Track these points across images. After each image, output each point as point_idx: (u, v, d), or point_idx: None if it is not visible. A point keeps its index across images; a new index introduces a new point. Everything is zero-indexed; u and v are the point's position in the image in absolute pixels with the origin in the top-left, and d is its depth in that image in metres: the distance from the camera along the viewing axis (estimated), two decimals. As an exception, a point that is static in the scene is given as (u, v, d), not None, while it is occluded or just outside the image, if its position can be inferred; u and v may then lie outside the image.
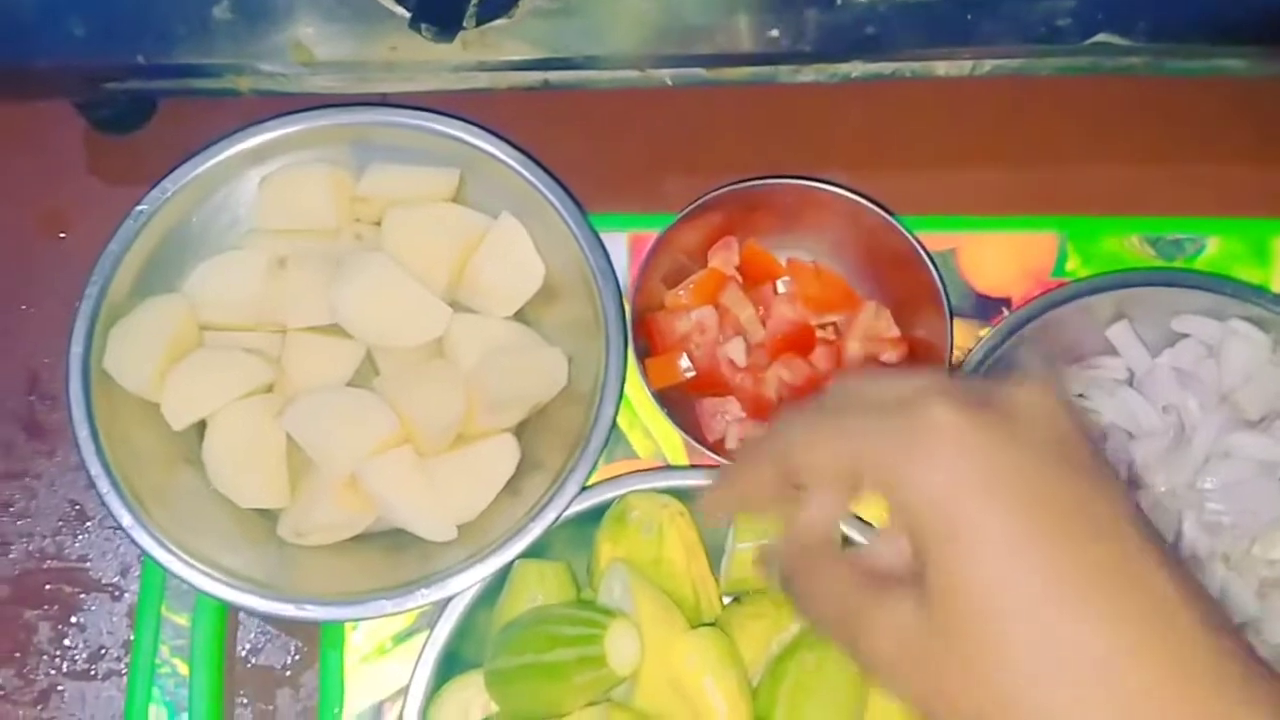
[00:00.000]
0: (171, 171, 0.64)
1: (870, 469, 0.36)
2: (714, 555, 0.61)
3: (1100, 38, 0.63)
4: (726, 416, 0.65)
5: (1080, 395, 0.66)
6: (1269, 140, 0.74)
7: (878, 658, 0.36)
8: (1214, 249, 0.71)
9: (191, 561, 0.59)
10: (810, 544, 0.39)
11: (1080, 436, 0.36)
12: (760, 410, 0.65)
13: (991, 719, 0.34)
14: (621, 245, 0.70)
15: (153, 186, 0.63)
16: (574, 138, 0.72)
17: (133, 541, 0.59)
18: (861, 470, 0.36)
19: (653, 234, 0.65)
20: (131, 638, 0.64)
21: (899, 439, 0.35)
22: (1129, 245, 0.71)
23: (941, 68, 0.66)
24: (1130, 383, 0.66)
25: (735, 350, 0.66)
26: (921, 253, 0.63)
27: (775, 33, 0.62)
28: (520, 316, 0.66)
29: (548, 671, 0.54)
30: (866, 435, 0.36)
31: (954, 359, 0.65)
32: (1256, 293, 0.65)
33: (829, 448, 0.37)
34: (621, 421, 0.67)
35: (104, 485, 0.59)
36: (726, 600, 0.62)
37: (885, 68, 0.65)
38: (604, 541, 0.59)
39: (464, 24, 0.57)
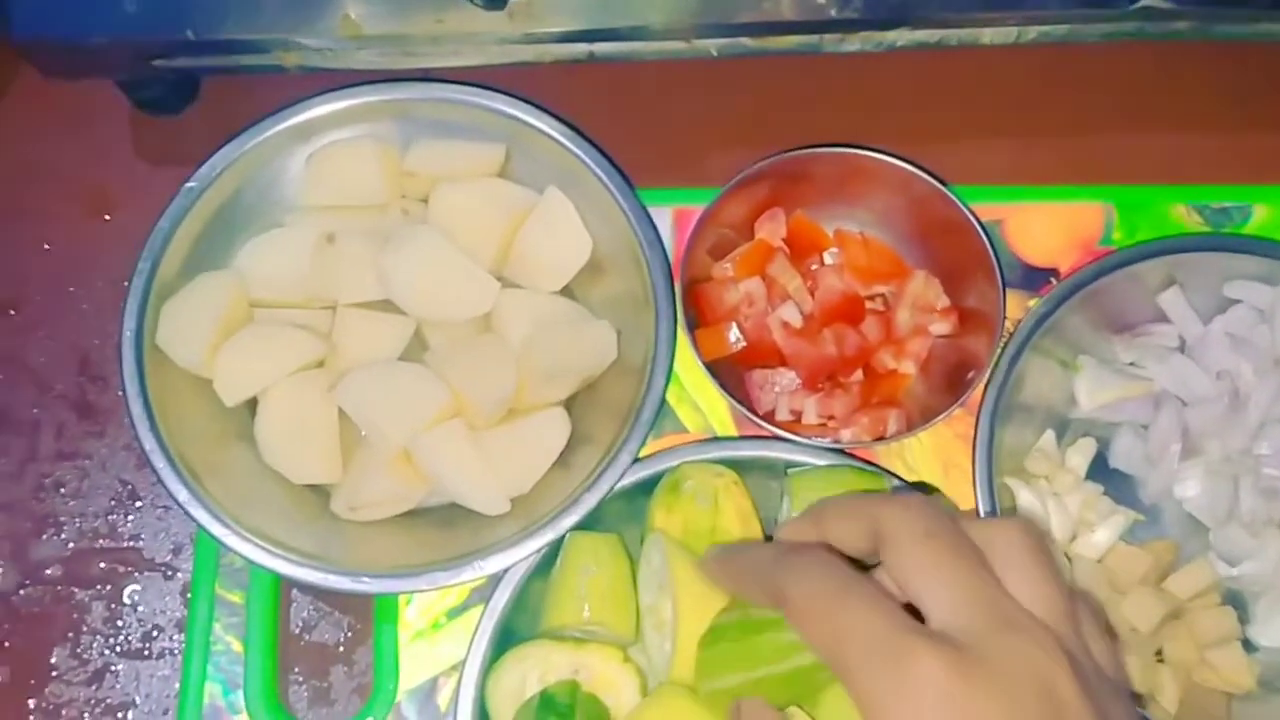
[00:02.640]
0: (220, 149, 0.64)
1: (857, 699, 0.39)
2: (768, 527, 0.60)
3: (1146, 1, 0.63)
4: (777, 388, 0.65)
5: (1132, 364, 0.65)
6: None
7: None
8: (1261, 216, 0.71)
9: (247, 535, 0.59)
10: None
11: (1074, 693, 0.38)
12: (816, 374, 0.65)
13: None
14: (666, 220, 0.70)
15: (201, 164, 0.63)
16: (618, 112, 0.71)
17: (189, 516, 0.59)
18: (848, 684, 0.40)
19: (697, 209, 0.64)
20: (185, 616, 0.65)
21: (887, 684, 0.38)
22: (1176, 214, 0.71)
23: (987, 35, 0.65)
24: (1182, 350, 0.65)
25: (789, 313, 0.65)
26: (973, 220, 0.63)
27: (822, 0, 0.62)
28: (568, 291, 0.66)
29: (789, 680, 0.52)
30: (858, 673, 0.39)
31: (1005, 328, 0.65)
32: (1311, 257, 0.65)
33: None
34: (670, 396, 0.67)
35: (159, 461, 0.59)
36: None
37: (931, 36, 0.65)
38: (658, 511, 0.59)
39: (514, -7, 0.57)
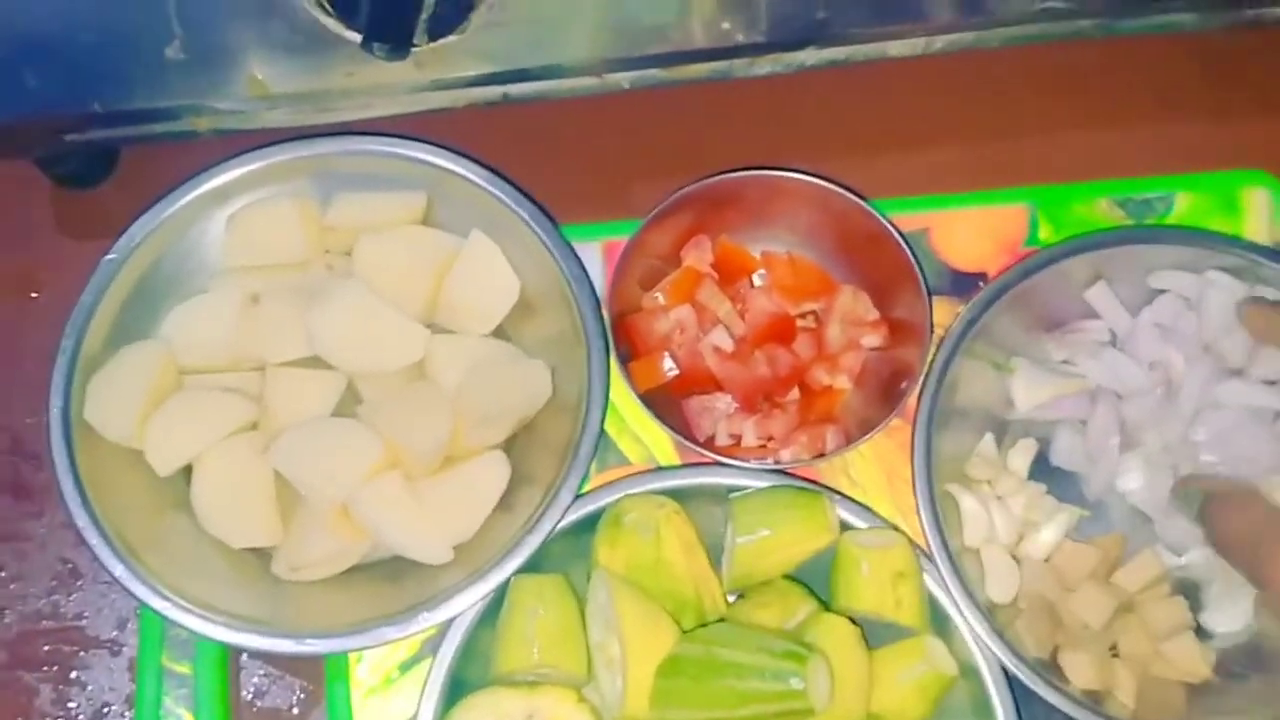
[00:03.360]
0: (138, 219, 0.63)
1: None
2: (714, 554, 0.60)
3: (1046, 3, 0.64)
4: (714, 413, 0.65)
5: (1065, 361, 0.66)
6: (1228, 92, 0.75)
7: None
8: (1183, 205, 0.72)
9: (188, 606, 0.58)
10: None
11: None
12: (752, 397, 0.65)
13: None
14: (595, 254, 0.70)
15: (120, 235, 0.63)
16: (541, 150, 0.72)
17: (127, 591, 0.58)
18: None
19: (625, 240, 0.64)
20: (134, 691, 0.64)
21: None
22: (1099, 209, 0.71)
23: (894, 48, 0.66)
24: (1114, 343, 0.66)
25: (720, 337, 0.65)
26: (894, 232, 0.63)
27: (727, 25, 0.62)
28: (500, 333, 0.66)
29: None
30: None
31: (934, 336, 0.65)
32: (1230, 242, 0.65)
33: None
34: (610, 428, 0.67)
35: (93, 537, 0.58)
36: (732, 598, 0.61)
37: (839, 53, 0.66)
38: (601, 547, 0.58)
39: (415, 41, 0.57)
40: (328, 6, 0.57)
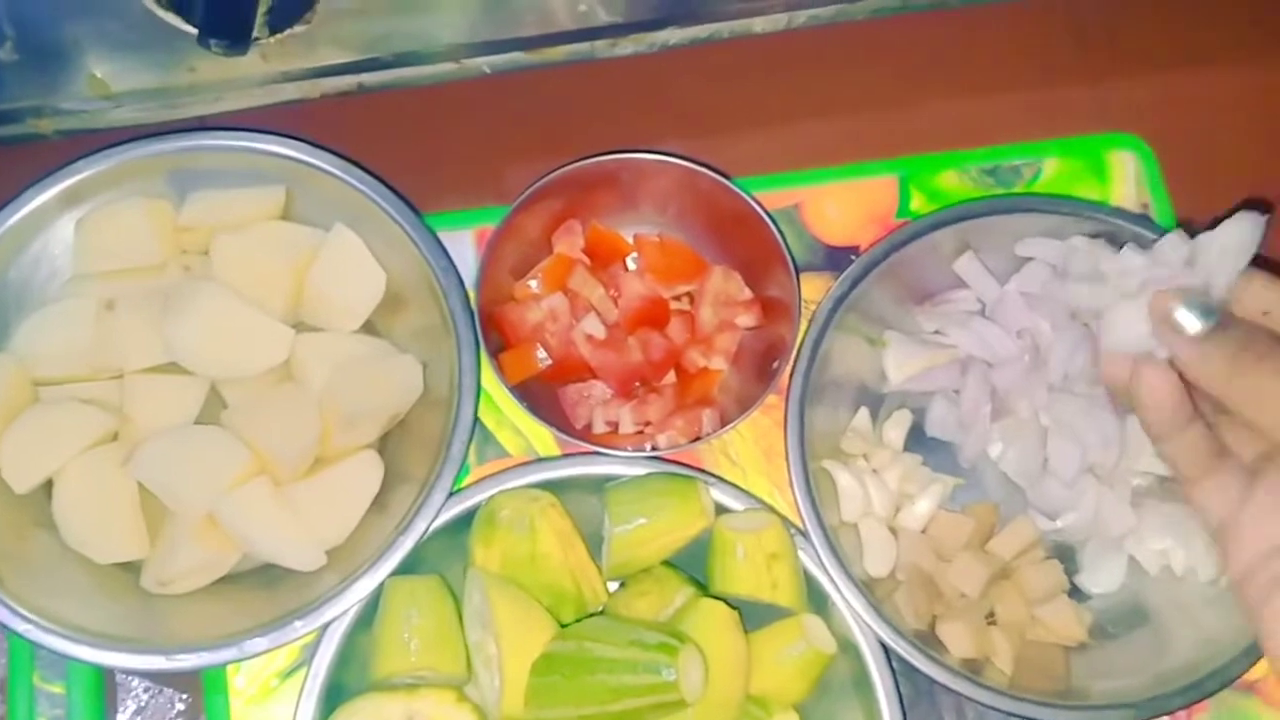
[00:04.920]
0: (-21, 227, 0.61)
1: None
2: (592, 544, 0.60)
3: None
4: (591, 400, 0.64)
5: (937, 332, 0.66)
6: (1092, 56, 0.75)
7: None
8: (1052, 171, 0.72)
9: (51, 627, 0.56)
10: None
11: None
12: (627, 383, 0.64)
13: None
14: (468, 242, 0.69)
15: (-39, 245, 0.60)
16: (404, 139, 0.70)
17: (-13, 616, 0.56)
18: None
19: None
20: (5, 712, 0.62)
21: None
22: (969, 178, 0.72)
23: (758, 24, 0.66)
24: (983, 313, 0.66)
25: (592, 325, 0.65)
26: (759, 211, 0.63)
27: (584, 7, 0.61)
28: (368, 328, 0.65)
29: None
30: None
31: (807, 313, 0.65)
32: (1093, 207, 0.66)
33: None
34: (488, 420, 0.66)
35: (-52, 561, 0.56)
36: (613, 587, 0.61)
37: (702, 31, 0.65)
38: (477, 546, 0.58)
39: (256, 35, 0.55)
40: (163, 1, 0.55)
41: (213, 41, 0.53)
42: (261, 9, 0.53)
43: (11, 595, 0.57)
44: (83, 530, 0.59)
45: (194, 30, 0.55)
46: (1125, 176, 0.72)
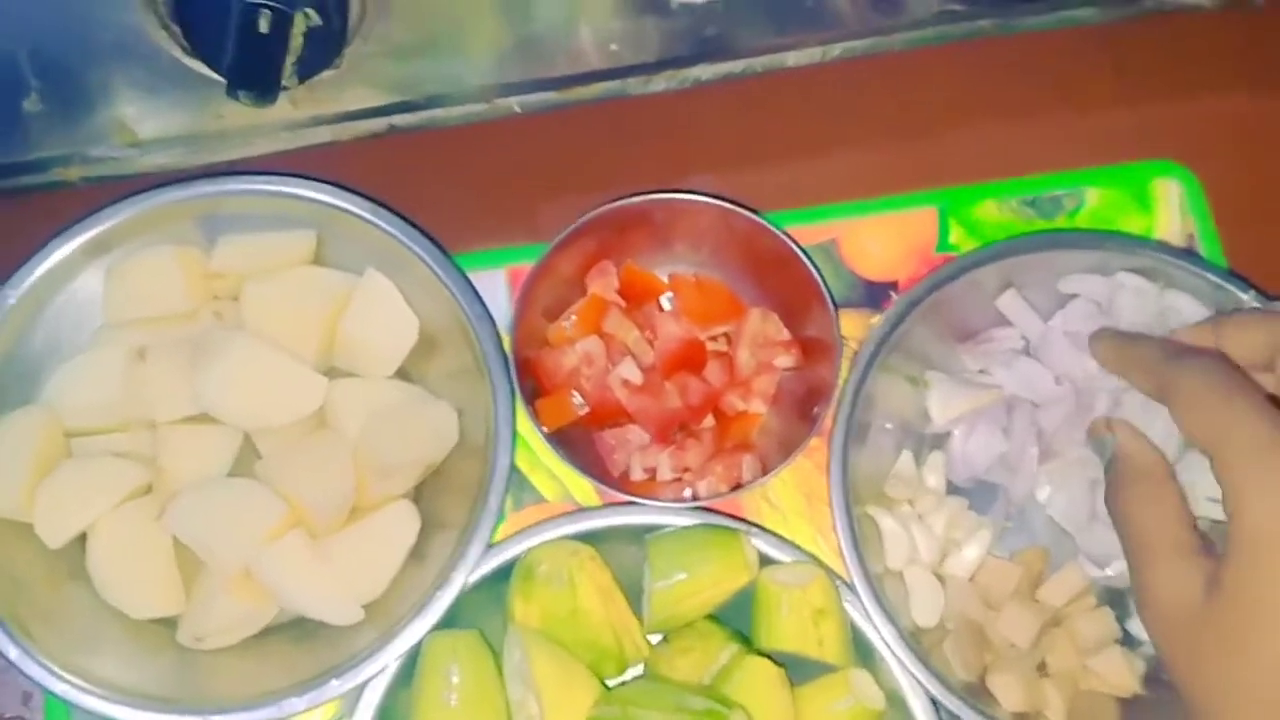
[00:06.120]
0: (9, 278, 0.60)
1: (1228, 488, 0.47)
2: (633, 593, 0.59)
3: (943, 6, 0.62)
4: (628, 446, 0.63)
5: (981, 371, 0.65)
6: (1132, 81, 0.74)
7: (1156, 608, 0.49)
8: (1095, 200, 0.71)
9: (88, 687, 0.56)
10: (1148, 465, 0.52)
11: None
12: (665, 429, 0.63)
13: (1238, 685, 0.45)
14: (500, 280, 0.68)
15: (-9, 296, 0.60)
16: (434, 177, 0.69)
17: (22, 674, 0.55)
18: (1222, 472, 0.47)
19: (531, 265, 0.62)
20: (41, 770, 0.61)
21: (1258, 478, 0.46)
22: (1009, 209, 0.70)
23: (791, 58, 0.64)
24: (1027, 351, 0.65)
25: (629, 370, 0.64)
26: (796, 250, 0.61)
27: (615, 47, 0.60)
28: (402, 373, 0.64)
29: None
30: (1234, 464, 0.47)
31: (848, 352, 0.64)
32: (1139, 242, 0.65)
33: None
34: (522, 465, 0.65)
35: (-15, 622, 0.56)
36: (654, 639, 0.60)
37: (735, 67, 0.64)
38: (516, 601, 0.57)
39: (285, 84, 0.54)
40: (191, 49, 0.54)
41: (241, 92, 0.52)
42: (290, 58, 0.52)
43: (46, 654, 0.56)
44: (117, 585, 0.59)
45: (222, 79, 0.54)
46: (1170, 205, 0.71)
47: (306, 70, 0.54)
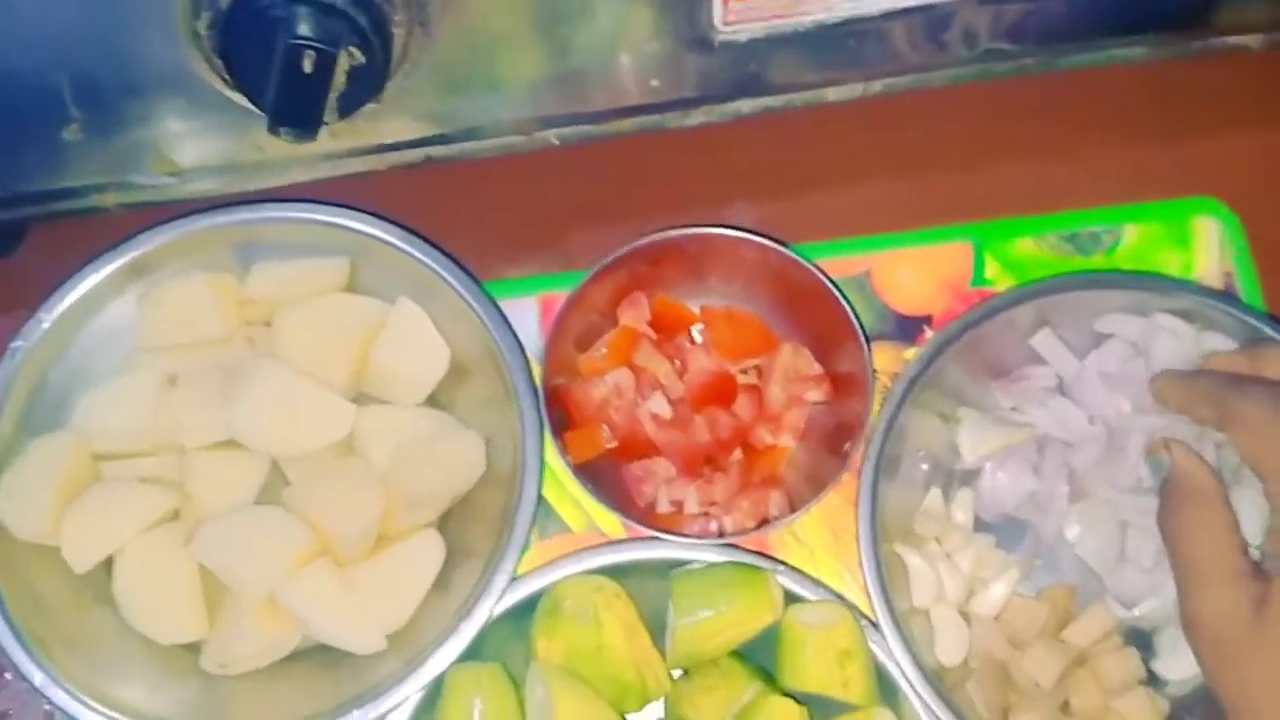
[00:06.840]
0: (45, 301, 0.60)
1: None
2: (656, 628, 0.58)
3: (991, 45, 0.62)
4: (655, 479, 0.63)
5: (1014, 408, 0.64)
6: (1173, 118, 0.73)
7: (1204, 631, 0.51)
8: (1133, 237, 0.70)
9: (111, 714, 0.56)
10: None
11: None
12: (693, 463, 0.63)
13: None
14: (532, 307, 0.68)
15: (27, 320, 0.60)
16: (469, 205, 0.69)
17: (47, 700, 0.56)
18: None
19: (563, 294, 0.62)
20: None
21: None
22: (1045, 245, 0.70)
23: (831, 94, 0.64)
24: (1061, 390, 0.64)
25: (658, 404, 0.64)
26: (829, 285, 0.61)
27: (656, 82, 0.60)
28: (432, 401, 0.64)
29: None
30: None
31: (879, 386, 0.63)
32: (1178, 284, 0.64)
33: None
34: (549, 495, 0.65)
35: (8, 641, 0.56)
36: (676, 674, 0.59)
37: (775, 101, 0.63)
38: (540, 638, 0.56)
39: (325, 119, 0.54)
40: (233, 83, 0.54)
41: (283, 130, 0.52)
42: (333, 95, 0.52)
43: (70, 679, 0.56)
44: (143, 610, 0.59)
45: (264, 114, 0.54)
46: (1209, 244, 0.70)
47: (348, 106, 0.54)
